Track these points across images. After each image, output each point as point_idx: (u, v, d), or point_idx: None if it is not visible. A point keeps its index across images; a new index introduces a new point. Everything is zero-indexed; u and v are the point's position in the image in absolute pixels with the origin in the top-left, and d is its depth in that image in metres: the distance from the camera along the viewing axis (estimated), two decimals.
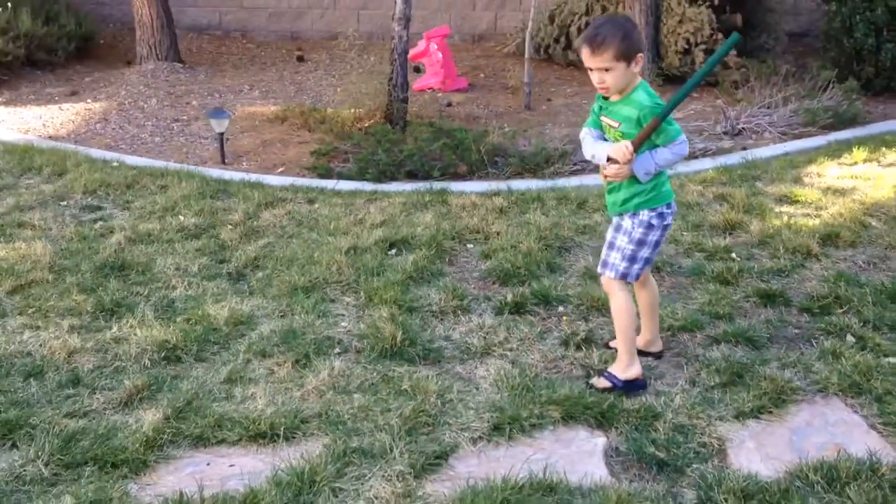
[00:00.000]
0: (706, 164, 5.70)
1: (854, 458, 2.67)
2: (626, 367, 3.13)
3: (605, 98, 3.07)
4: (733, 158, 5.78)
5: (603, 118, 3.09)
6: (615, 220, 3.18)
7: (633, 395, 3.07)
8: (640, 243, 3.08)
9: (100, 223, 4.65)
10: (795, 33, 8.89)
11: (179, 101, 7.11)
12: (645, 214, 3.06)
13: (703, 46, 7.58)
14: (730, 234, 4.48)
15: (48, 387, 3.11)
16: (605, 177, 3.10)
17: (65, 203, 4.96)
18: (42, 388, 3.11)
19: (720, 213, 4.70)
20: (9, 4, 7.65)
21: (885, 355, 3.28)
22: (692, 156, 5.90)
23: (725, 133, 6.37)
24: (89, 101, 7.11)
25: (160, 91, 7.33)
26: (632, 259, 3.10)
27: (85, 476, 2.63)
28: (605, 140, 3.10)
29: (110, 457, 2.69)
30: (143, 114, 6.78)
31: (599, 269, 3.21)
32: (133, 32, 9.30)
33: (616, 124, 3.02)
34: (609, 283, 3.17)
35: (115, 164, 5.55)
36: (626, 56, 2.91)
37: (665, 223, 3.10)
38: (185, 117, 6.74)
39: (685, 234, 4.48)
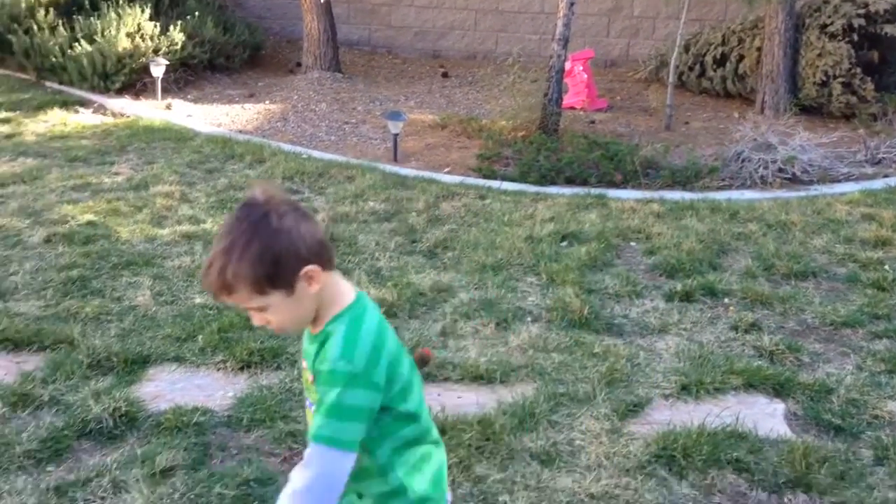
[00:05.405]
0: (850, 187, 5.97)
1: None
2: None
3: None
4: (877, 184, 6.02)
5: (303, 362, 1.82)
6: None
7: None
8: None
9: (303, 204, 5.24)
10: None
11: (346, 107, 7.76)
12: None
13: (841, 80, 7.79)
14: (881, 248, 4.75)
15: None
16: None
17: None
18: None
19: (870, 230, 4.98)
20: (196, 14, 8.49)
21: None
22: (836, 179, 6.18)
23: (866, 161, 6.60)
24: (266, 102, 7.84)
25: (327, 97, 8.01)
26: None
27: None
28: None
29: None
30: (317, 115, 7.45)
31: None
32: (291, 45, 10.16)
33: (310, 377, 1.75)
34: None
35: (304, 156, 6.19)
36: (276, 282, 1.64)
37: None
38: (353, 120, 7.37)
39: (838, 245, 4.78)
